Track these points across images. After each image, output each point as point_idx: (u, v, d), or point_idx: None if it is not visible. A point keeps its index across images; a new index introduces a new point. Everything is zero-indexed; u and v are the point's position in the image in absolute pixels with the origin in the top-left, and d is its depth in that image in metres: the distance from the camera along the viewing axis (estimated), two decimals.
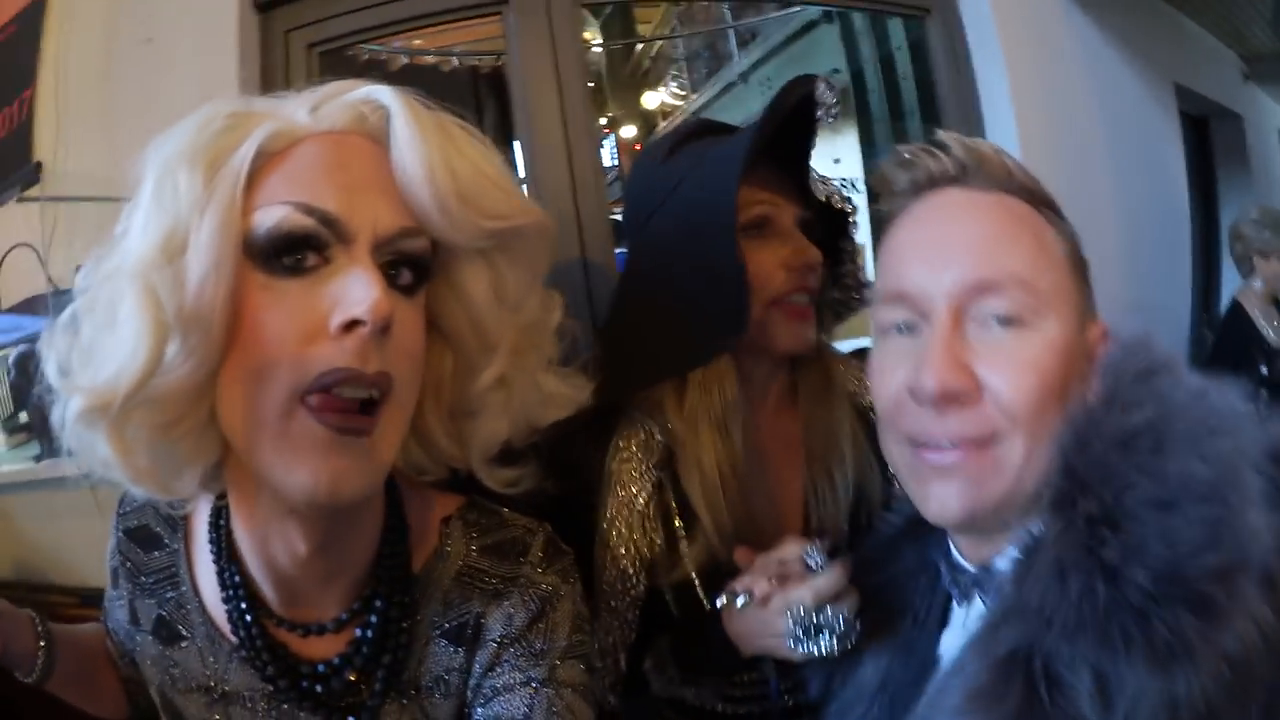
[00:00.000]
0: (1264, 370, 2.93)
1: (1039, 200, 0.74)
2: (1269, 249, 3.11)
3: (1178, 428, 0.62)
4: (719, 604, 0.96)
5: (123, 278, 0.63)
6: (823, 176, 1.14)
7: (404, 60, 3.12)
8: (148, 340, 0.61)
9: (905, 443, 0.72)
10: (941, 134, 0.76)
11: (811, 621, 0.86)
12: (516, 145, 1.83)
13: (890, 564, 0.88)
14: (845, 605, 0.86)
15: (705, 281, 1.01)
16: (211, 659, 0.79)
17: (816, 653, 0.87)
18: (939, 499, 0.70)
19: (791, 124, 1.04)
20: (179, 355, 0.62)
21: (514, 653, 0.78)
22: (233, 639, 0.77)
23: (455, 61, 2.98)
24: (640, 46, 3.81)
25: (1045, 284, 0.69)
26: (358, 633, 0.77)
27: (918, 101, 2.70)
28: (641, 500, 1.06)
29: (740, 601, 0.92)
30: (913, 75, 2.73)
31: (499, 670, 0.78)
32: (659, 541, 1.06)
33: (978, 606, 0.75)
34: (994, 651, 0.64)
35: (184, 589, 0.80)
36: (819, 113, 1.04)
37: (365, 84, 0.70)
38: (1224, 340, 3.13)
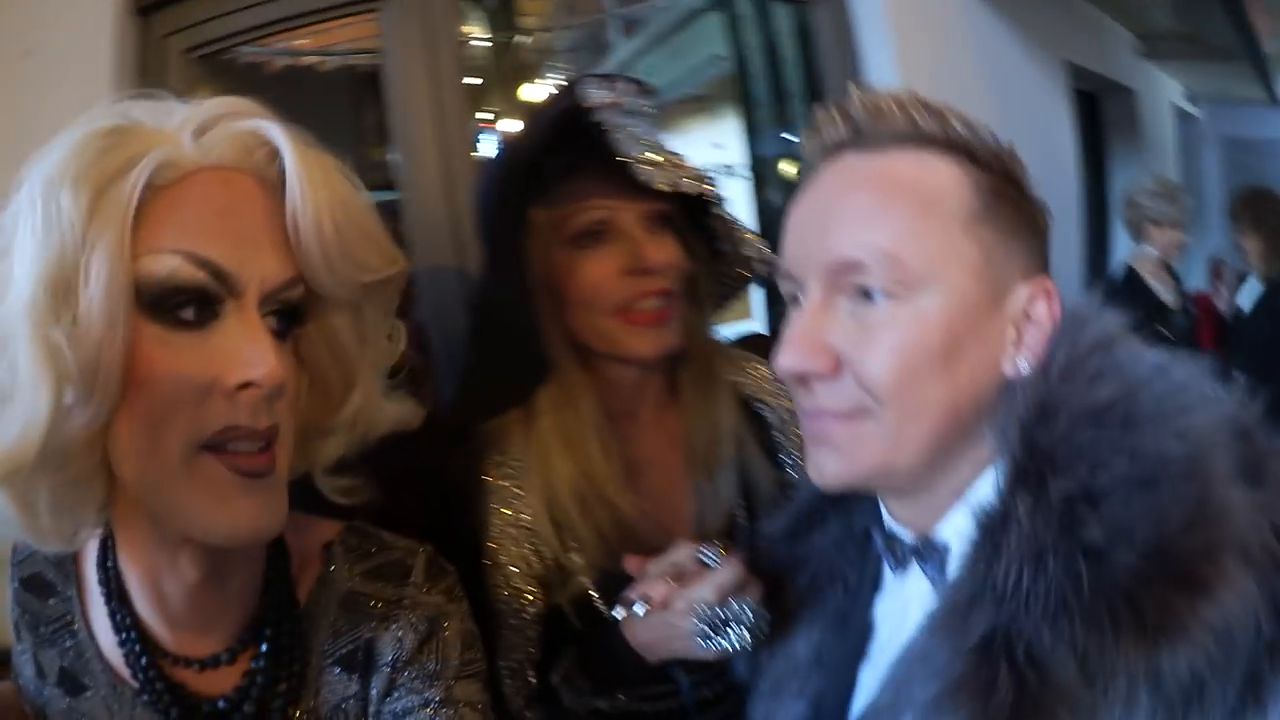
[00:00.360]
0: (1161, 330, 3.05)
1: (950, 145, 0.70)
2: (1163, 218, 3.22)
3: (1145, 403, 0.62)
4: (618, 616, 0.95)
5: (9, 316, 0.61)
6: (674, 161, 1.05)
7: (283, 62, 3.05)
8: (48, 392, 0.59)
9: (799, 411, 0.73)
10: (852, 89, 0.73)
11: (718, 617, 0.85)
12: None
13: (815, 532, 0.87)
14: (749, 595, 0.85)
15: (506, 328, 0.99)
16: (116, 707, 0.78)
17: (728, 647, 0.86)
18: (815, 465, 0.72)
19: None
20: (77, 408, 0.61)
21: (409, 675, 0.79)
22: (133, 684, 0.77)
23: (335, 62, 2.91)
24: (523, 30, 3.79)
25: (922, 253, 0.66)
26: (252, 664, 0.77)
27: (804, 87, 2.70)
28: (526, 517, 1.05)
29: (639, 610, 0.91)
30: (799, 61, 2.71)
31: (396, 695, 0.79)
32: (548, 556, 1.05)
33: (916, 575, 0.73)
34: (967, 638, 0.62)
35: (80, 636, 0.79)
36: (612, 111, 0.97)
37: (250, 110, 0.69)
38: (1115, 302, 3.24)
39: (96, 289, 0.60)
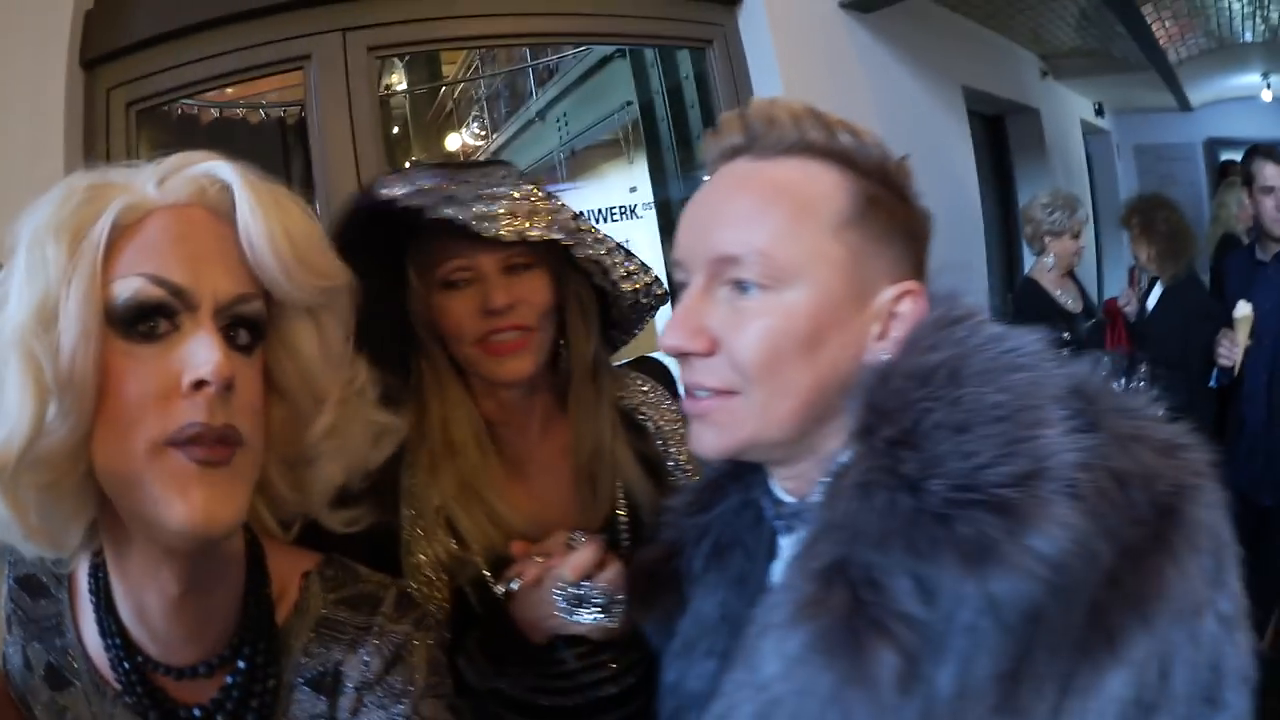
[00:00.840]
0: (1064, 335, 3.23)
1: (833, 155, 0.76)
2: (1060, 229, 3.35)
3: (974, 365, 0.68)
4: (501, 593, 1.06)
5: (6, 349, 0.68)
6: (529, 210, 1.14)
7: (214, 114, 3.17)
8: (31, 405, 0.66)
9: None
10: (754, 99, 0.80)
11: (576, 595, 0.97)
12: None
13: (716, 503, 0.94)
14: (604, 577, 0.97)
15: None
16: (97, 705, 0.83)
17: (588, 621, 0.97)
18: (696, 439, 0.78)
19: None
20: (58, 418, 0.67)
21: (376, 694, 0.84)
22: (116, 685, 0.82)
23: (263, 113, 3.02)
24: (444, 79, 3.90)
25: (794, 252, 0.72)
26: (228, 679, 0.82)
27: (703, 129, 2.85)
28: (431, 510, 1.17)
29: (514, 586, 1.03)
30: (698, 104, 2.88)
31: (362, 713, 0.84)
32: (452, 547, 1.16)
33: (801, 536, 0.77)
34: (811, 565, 0.68)
35: (69, 637, 0.84)
36: (425, 196, 1.08)
37: (207, 157, 0.78)
38: (1020, 313, 3.35)
39: (72, 312, 0.68)
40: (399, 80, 3.47)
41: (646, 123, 3.12)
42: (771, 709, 0.67)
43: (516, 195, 1.13)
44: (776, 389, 0.73)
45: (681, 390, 0.82)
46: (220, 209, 0.76)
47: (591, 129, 3.56)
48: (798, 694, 0.65)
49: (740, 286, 0.74)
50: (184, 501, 0.69)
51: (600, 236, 1.19)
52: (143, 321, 0.70)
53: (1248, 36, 5.90)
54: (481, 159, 1.19)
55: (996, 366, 0.67)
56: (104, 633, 0.81)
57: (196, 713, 0.82)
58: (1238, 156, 6.54)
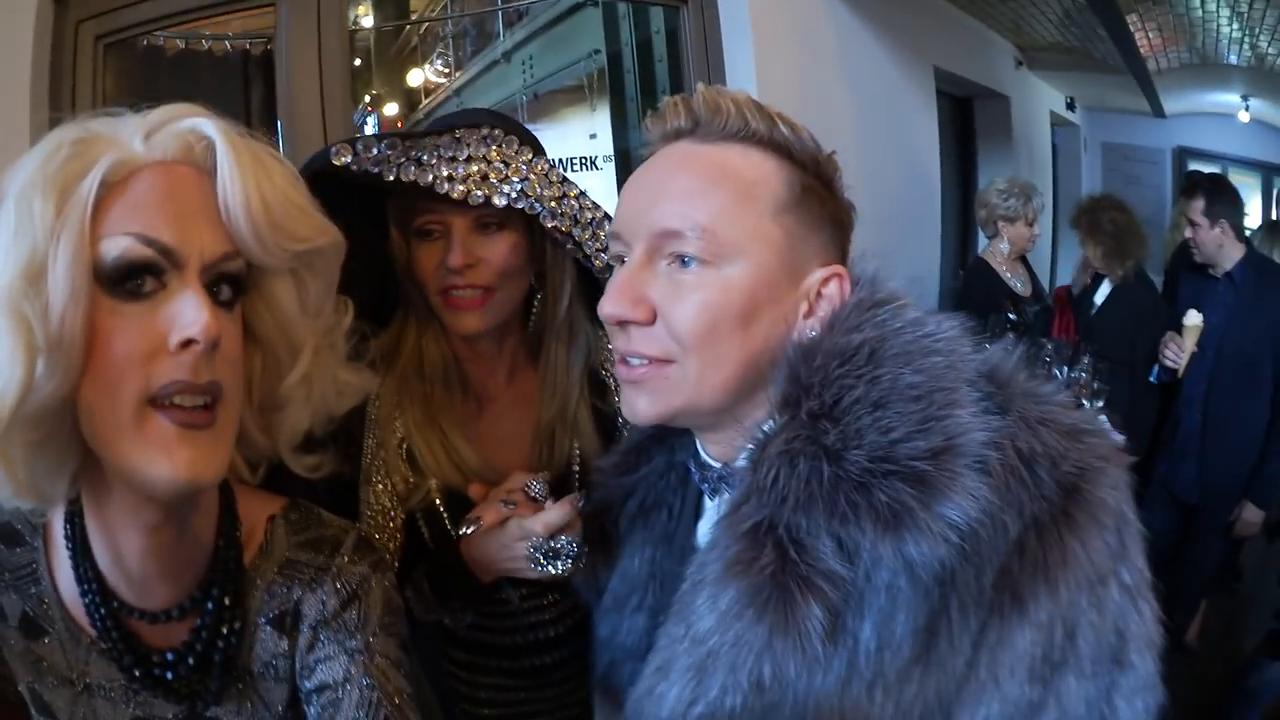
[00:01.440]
0: (1013, 316, 3.32)
1: (773, 145, 0.80)
2: (1014, 215, 3.41)
3: (893, 346, 0.73)
4: (462, 533, 1.12)
5: None
6: (502, 175, 1.15)
7: (180, 45, 3.10)
8: (21, 364, 0.67)
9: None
10: (699, 86, 0.83)
11: (547, 549, 1.03)
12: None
13: (640, 465, 0.99)
14: (572, 532, 1.02)
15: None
16: (73, 652, 0.85)
17: (553, 572, 1.03)
18: (629, 405, 0.82)
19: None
20: (45, 375, 0.68)
21: (330, 630, 0.87)
22: (91, 632, 0.84)
23: (229, 45, 2.97)
24: (411, 18, 3.87)
25: (735, 232, 0.76)
26: (197, 622, 0.84)
27: (670, 84, 2.85)
28: (394, 441, 1.22)
29: (471, 530, 1.09)
30: (667, 59, 2.88)
31: (318, 646, 0.87)
32: (409, 476, 1.21)
33: (726, 498, 0.82)
34: (739, 526, 0.73)
35: (44, 585, 0.85)
36: (359, 166, 1.09)
37: (192, 111, 0.77)
38: (969, 291, 3.47)
39: (61, 271, 0.68)
40: (365, 13, 3.43)
41: (613, 72, 3.11)
42: (708, 661, 0.72)
43: (494, 157, 1.15)
44: (711, 359, 0.77)
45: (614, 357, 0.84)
46: (205, 167, 0.76)
47: (556, 74, 3.55)
48: (732, 645, 0.70)
49: (681, 260, 0.77)
50: (168, 459, 0.71)
51: (587, 204, 1.18)
52: (130, 280, 0.71)
53: (1232, 59, 5.92)
54: (468, 112, 1.19)
55: (914, 349, 0.72)
56: (80, 579, 0.82)
57: (170, 657, 0.84)
58: (1207, 168, 6.66)
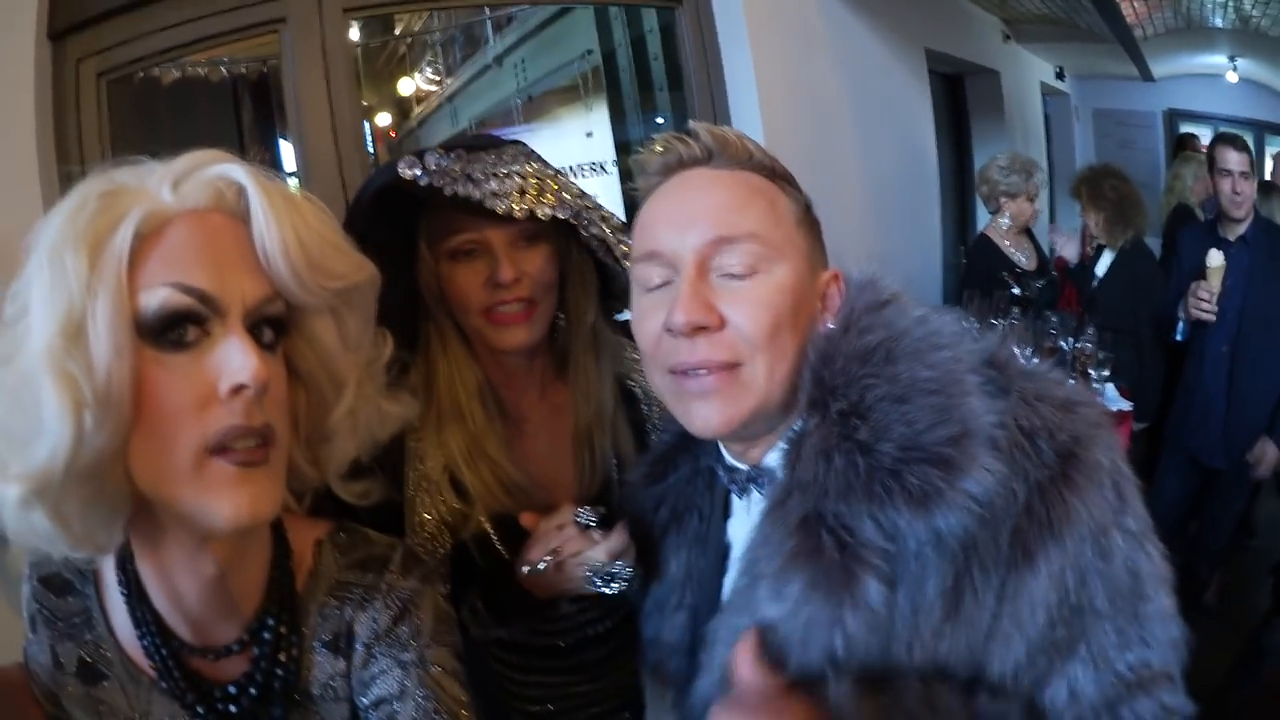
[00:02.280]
0: (1016, 290, 3.32)
1: (775, 174, 0.88)
2: (1015, 191, 3.41)
3: (904, 344, 0.80)
4: (524, 572, 1.12)
5: (31, 361, 0.68)
6: (540, 188, 1.18)
7: (175, 74, 3.10)
8: (70, 421, 0.66)
9: (667, 374, 0.84)
10: (692, 124, 0.89)
11: (605, 572, 1.06)
12: (282, 142, 1.95)
13: (670, 473, 1.03)
14: (627, 557, 1.06)
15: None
16: (134, 694, 0.84)
17: (610, 592, 1.07)
18: (701, 417, 0.83)
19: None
20: (94, 430, 0.67)
21: (384, 645, 0.88)
22: (151, 673, 0.83)
23: (224, 70, 2.97)
24: (398, 32, 3.85)
25: (777, 237, 0.83)
26: (256, 651, 0.84)
27: (666, 80, 2.86)
28: (435, 471, 1.21)
29: (540, 567, 1.10)
30: (662, 56, 2.88)
31: (372, 663, 0.88)
32: (456, 504, 1.21)
33: (756, 496, 0.89)
34: (788, 521, 0.79)
35: (99, 630, 0.85)
36: (436, 175, 1.10)
37: (218, 158, 0.78)
38: (973, 267, 3.46)
39: (102, 326, 0.68)
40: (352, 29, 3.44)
41: (608, 70, 3.11)
42: (783, 643, 0.79)
43: (529, 173, 1.17)
44: (778, 354, 0.82)
45: (663, 377, 0.86)
46: (238, 213, 0.77)
47: (549, 76, 3.54)
48: (805, 626, 0.77)
49: (738, 269, 0.82)
50: (230, 503, 0.71)
51: (605, 215, 1.21)
52: (173, 330, 0.71)
53: (1217, 22, 5.92)
54: (502, 139, 1.20)
55: (924, 346, 0.80)
56: (137, 622, 0.83)
57: (232, 690, 0.84)
58: (1197, 129, 6.67)
